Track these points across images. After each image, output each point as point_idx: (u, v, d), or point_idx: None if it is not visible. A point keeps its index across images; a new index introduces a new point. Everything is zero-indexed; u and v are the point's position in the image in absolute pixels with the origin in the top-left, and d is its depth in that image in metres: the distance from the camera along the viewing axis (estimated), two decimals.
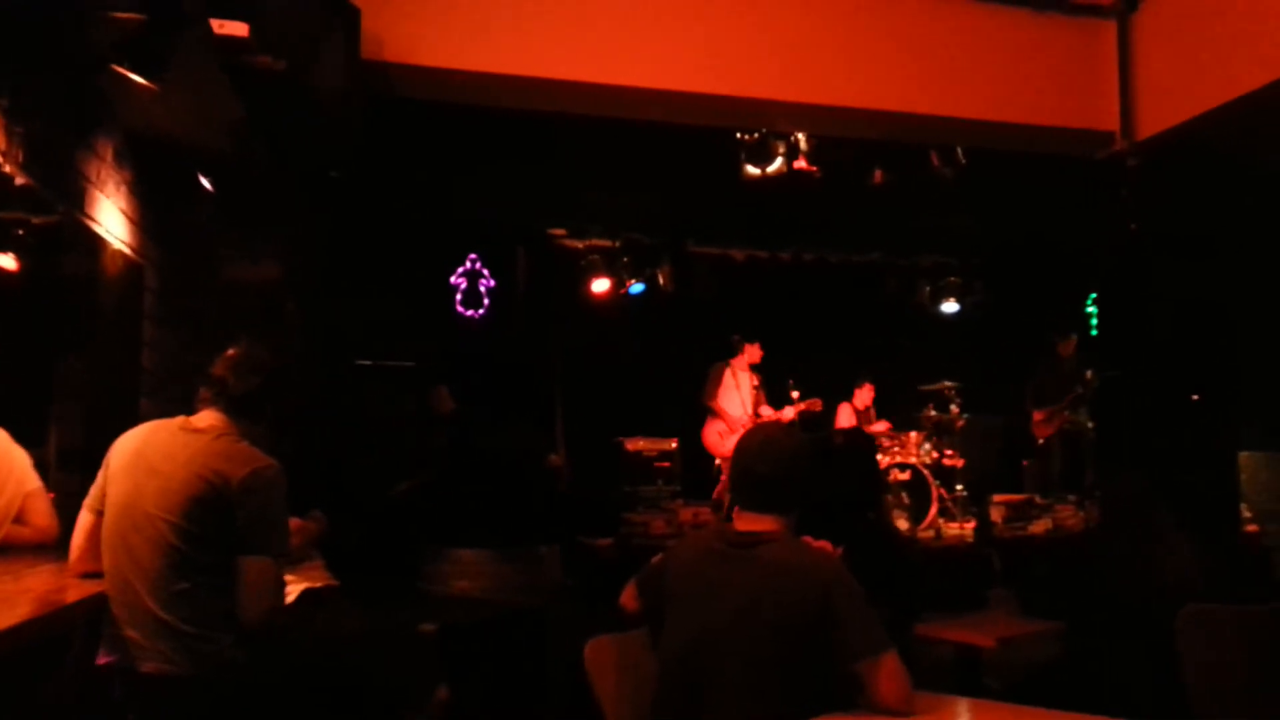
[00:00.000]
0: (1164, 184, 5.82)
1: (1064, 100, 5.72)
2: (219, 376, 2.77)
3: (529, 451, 6.64)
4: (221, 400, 2.75)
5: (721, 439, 8.01)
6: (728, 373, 8.07)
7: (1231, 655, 3.15)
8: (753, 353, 8.11)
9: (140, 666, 2.52)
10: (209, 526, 2.55)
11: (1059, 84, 5.70)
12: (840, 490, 3.38)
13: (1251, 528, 6.24)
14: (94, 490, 2.72)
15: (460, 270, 8.84)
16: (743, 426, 7.91)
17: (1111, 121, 5.75)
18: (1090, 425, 7.88)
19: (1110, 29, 5.76)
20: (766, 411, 8.08)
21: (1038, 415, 8.34)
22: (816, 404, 8.15)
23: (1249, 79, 4.94)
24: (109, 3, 3.54)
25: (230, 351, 2.83)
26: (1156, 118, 5.61)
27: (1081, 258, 8.00)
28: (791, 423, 7.84)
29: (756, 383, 8.12)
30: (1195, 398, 5.94)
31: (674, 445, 8.19)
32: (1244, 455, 6.48)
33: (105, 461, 2.72)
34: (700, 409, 8.14)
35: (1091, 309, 9.10)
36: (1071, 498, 7.12)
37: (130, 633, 2.54)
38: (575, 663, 2.74)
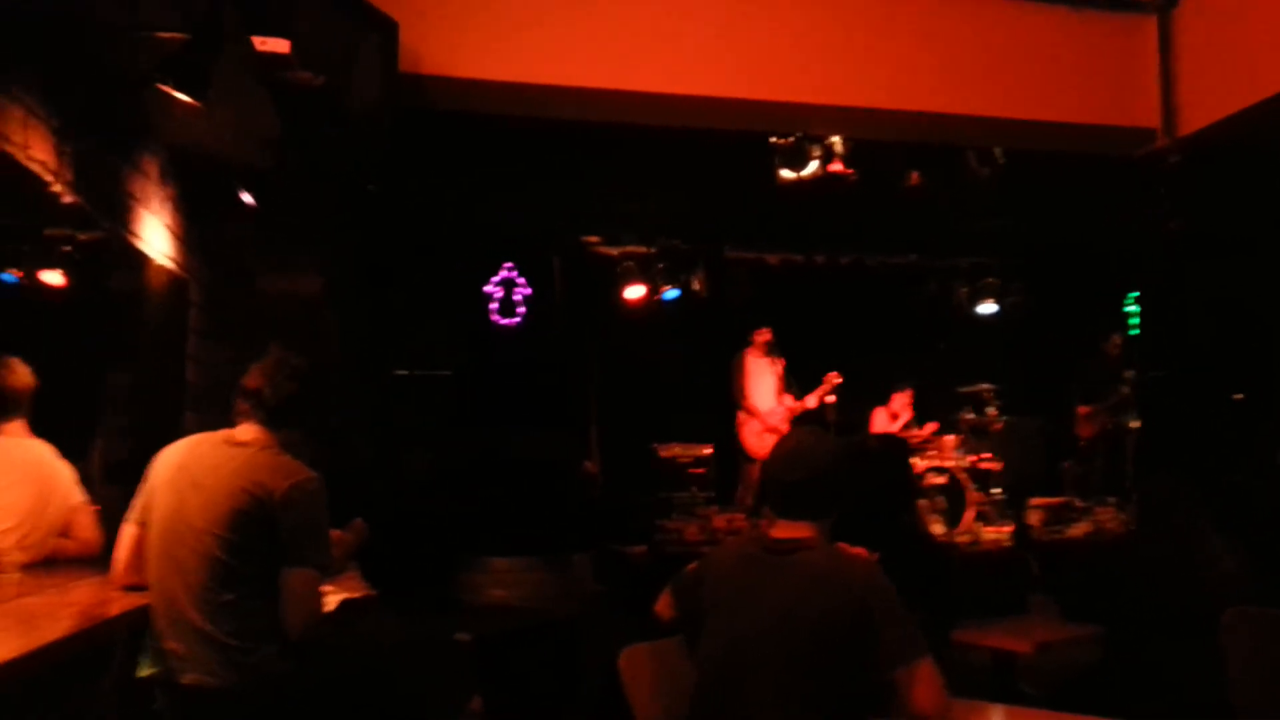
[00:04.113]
0: (1205, 181, 5.74)
1: (1104, 97, 5.67)
2: (254, 388, 2.78)
3: (563, 458, 6.67)
4: (260, 412, 2.77)
5: (761, 439, 8.06)
6: (750, 360, 8.22)
7: (1277, 658, 3.11)
8: (762, 336, 8.24)
9: (181, 678, 2.56)
10: (252, 538, 2.58)
11: (1098, 81, 5.65)
12: (874, 495, 3.37)
13: None
14: (137, 503, 2.76)
15: (495, 279, 8.89)
16: (774, 425, 8.00)
17: (1152, 118, 5.69)
18: (1133, 426, 7.78)
19: (1150, 25, 5.70)
20: (789, 401, 8.20)
21: (1082, 411, 8.24)
22: (834, 377, 8.20)
23: None
24: (153, 22, 3.62)
25: (263, 361, 2.83)
26: (1197, 114, 5.55)
27: (1121, 257, 7.90)
28: (823, 427, 7.83)
29: (779, 372, 8.24)
30: (1238, 398, 5.85)
31: (708, 451, 8.18)
32: None
33: (148, 475, 2.76)
34: (733, 410, 8.21)
35: (1132, 309, 8.98)
36: (1112, 500, 7.02)
37: (172, 644, 2.57)
38: (609, 670, 2.75)
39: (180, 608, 2.57)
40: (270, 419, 2.77)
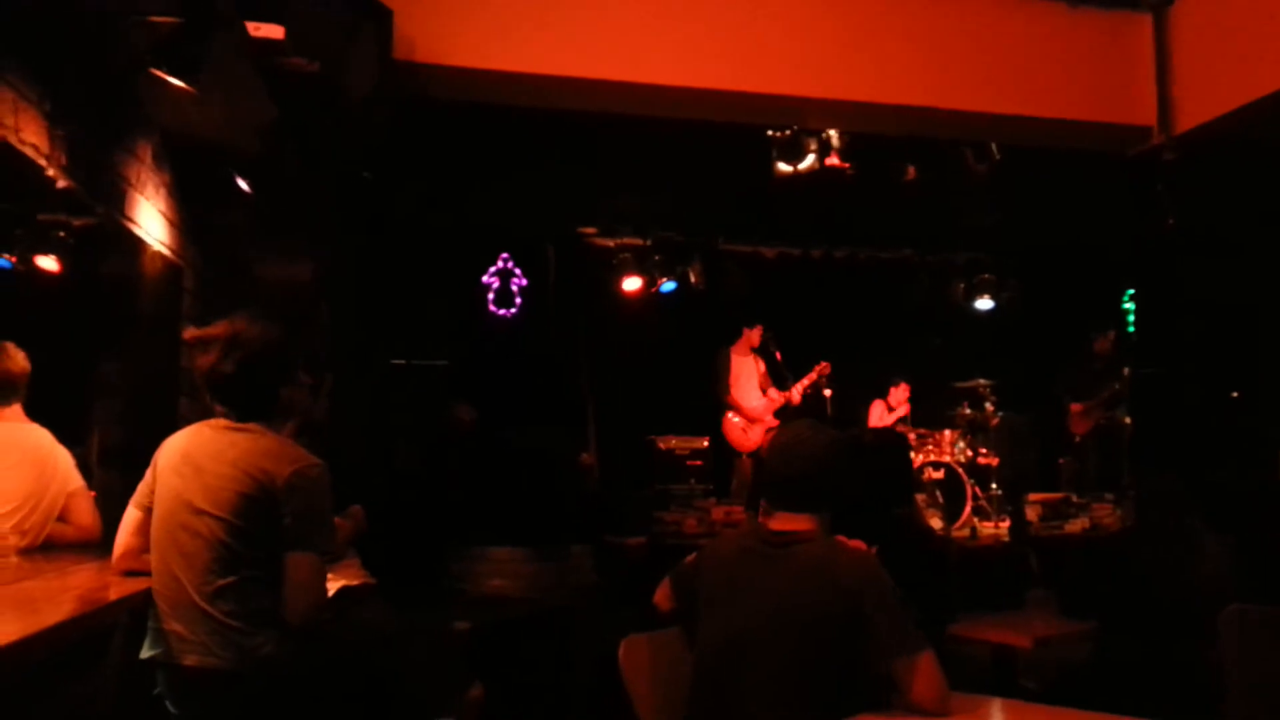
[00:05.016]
0: (1201, 179, 5.74)
1: (1100, 95, 5.67)
2: (212, 380, 2.72)
3: (560, 450, 6.66)
4: (233, 411, 2.73)
5: (745, 432, 8.09)
6: (734, 357, 8.26)
7: (1272, 656, 3.12)
8: (751, 337, 8.29)
9: (182, 660, 2.55)
10: (256, 523, 2.57)
11: (1094, 78, 5.65)
12: (873, 488, 3.36)
13: None
14: (142, 488, 2.75)
15: (492, 270, 8.89)
16: (758, 417, 8.02)
17: (1148, 116, 5.69)
18: (1127, 422, 7.80)
19: (1146, 22, 5.70)
20: (773, 394, 8.27)
21: (1075, 408, 8.26)
22: (824, 367, 8.27)
23: None
24: (146, 7, 3.59)
25: (209, 342, 2.73)
26: (1193, 112, 5.55)
27: (1118, 254, 7.91)
28: (820, 419, 7.83)
29: (763, 369, 8.33)
30: (1234, 395, 5.86)
31: (706, 444, 8.19)
32: None
33: (153, 461, 2.75)
34: (719, 404, 8.23)
35: (1128, 305, 8.99)
36: (1108, 496, 7.04)
37: (174, 626, 2.57)
38: (606, 661, 2.75)
39: (182, 590, 2.57)
40: (240, 413, 2.73)
